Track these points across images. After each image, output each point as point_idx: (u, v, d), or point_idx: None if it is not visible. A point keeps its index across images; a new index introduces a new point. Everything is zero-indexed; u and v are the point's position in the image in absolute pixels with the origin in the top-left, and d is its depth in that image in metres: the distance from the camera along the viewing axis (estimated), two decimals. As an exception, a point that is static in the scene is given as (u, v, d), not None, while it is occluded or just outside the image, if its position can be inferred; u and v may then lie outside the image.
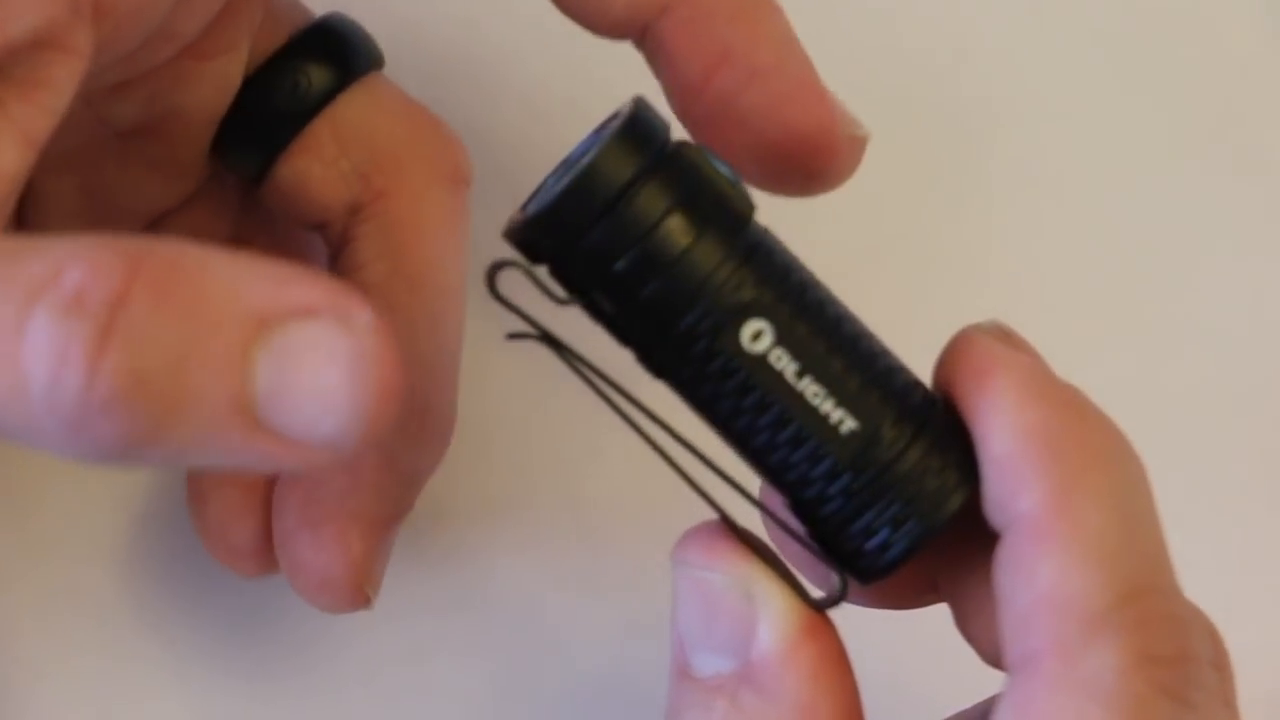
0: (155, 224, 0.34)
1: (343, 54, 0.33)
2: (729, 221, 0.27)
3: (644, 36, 0.28)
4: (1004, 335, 0.27)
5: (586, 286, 0.27)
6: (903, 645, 0.35)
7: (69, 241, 0.23)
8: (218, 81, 0.31)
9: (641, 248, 0.26)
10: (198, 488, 0.34)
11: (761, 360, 0.27)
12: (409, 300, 0.32)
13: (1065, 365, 0.40)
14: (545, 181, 0.28)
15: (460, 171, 0.34)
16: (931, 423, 0.27)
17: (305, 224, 0.34)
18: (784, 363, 0.27)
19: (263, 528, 0.33)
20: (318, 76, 0.33)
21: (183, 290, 0.23)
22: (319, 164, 0.33)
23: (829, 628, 0.27)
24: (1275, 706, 0.38)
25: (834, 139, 0.28)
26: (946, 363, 0.27)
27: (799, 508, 0.28)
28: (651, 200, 0.27)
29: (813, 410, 0.27)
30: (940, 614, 0.29)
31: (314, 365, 0.24)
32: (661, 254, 0.26)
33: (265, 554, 0.33)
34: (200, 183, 0.34)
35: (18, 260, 0.23)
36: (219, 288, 0.23)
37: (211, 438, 0.23)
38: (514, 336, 0.27)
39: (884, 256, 0.41)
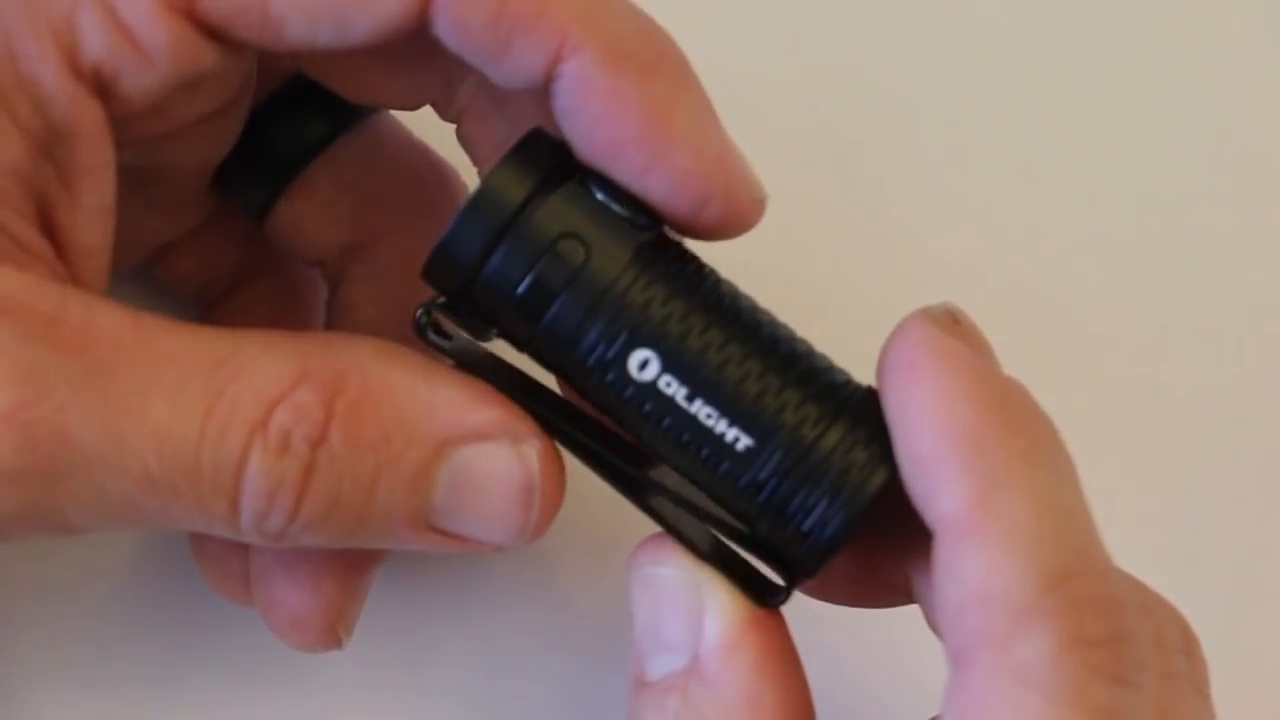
0: (162, 251, 0.34)
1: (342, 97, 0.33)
2: (614, 246, 0.27)
3: (548, 91, 0.28)
4: (950, 322, 0.27)
5: (499, 315, 0.28)
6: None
7: (271, 358, 0.26)
8: (218, 136, 0.32)
9: (535, 276, 0.27)
10: None
11: (652, 387, 0.27)
12: (399, 342, 0.32)
13: (1062, 364, 0.40)
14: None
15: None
16: (844, 414, 0.27)
17: (304, 261, 0.34)
18: (673, 388, 0.27)
19: None
20: (318, 119, 0.33)
21: (373, 423, 0.26)
22: (315, 206, 0.33)
23: (775, 621, 0.27)
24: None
25: (739, 212, 0.28)
26: (885, 350, 0.27)
27: (732, 514, 0.28)
28: (544, 224, 0.27)
29: (707, 431, 0.27)
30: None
31: (485, 491, 0.27)
32: (555, 278, 0.27)
33: None
34: (205, 216, 0.34)
35: (224, 374, 0.26)
36: (405, 415, 0.27)
37: (388, 540, 0.28)
38: (462, 365, 0.29)
39: (884, 256, 0.41)
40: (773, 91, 0.41)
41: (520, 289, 0.27)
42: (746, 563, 0.29)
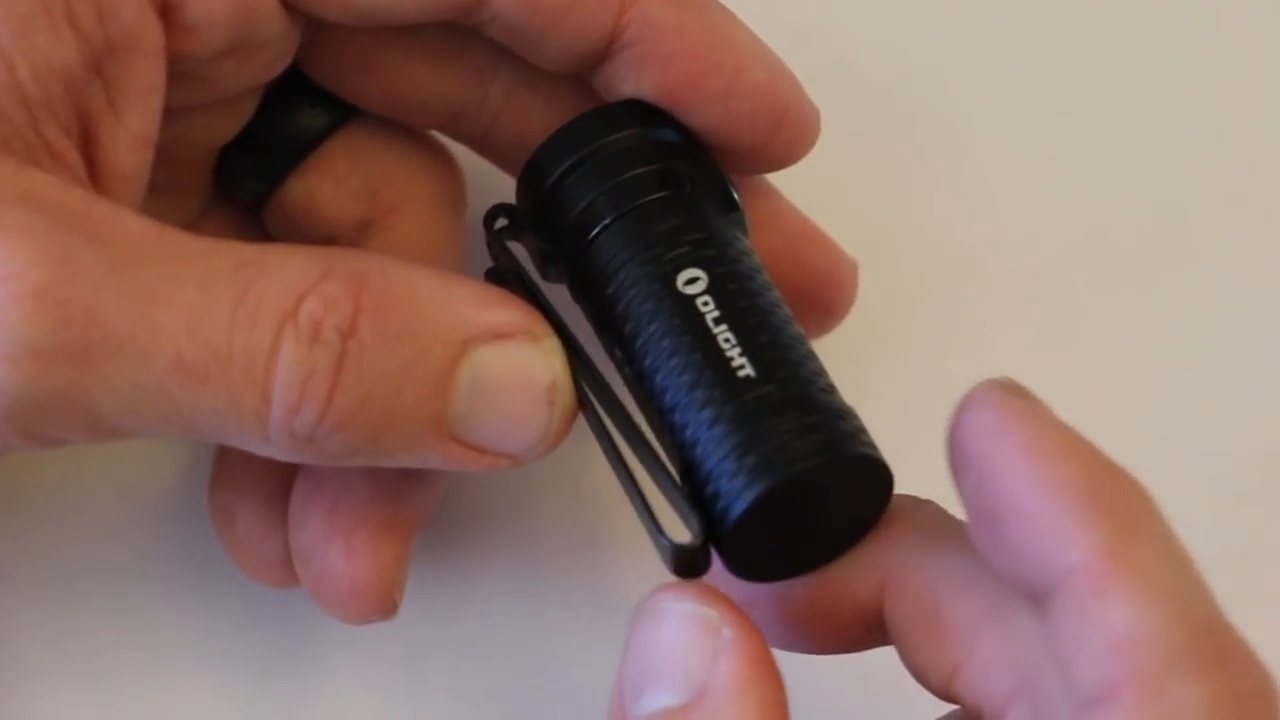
0: None
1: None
2: (699, 198, 0.29)
3: (609, 53, 0.29)
4: (1019, 390, 0.27)
5: (567, 221, 0.29)
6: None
7: (295, 259, 0.26)
8: (233, 114, 0.32)
9: (624, 179, 0.29)
10: (223, 506, 0.34)
11: (690, 301, 0.28)
12: None
13: (1062, 364, 0.40)
14: None
15: (460, 191, 0.34)
16: (819, 403, 0.27)
17: (311, 240, 0.34)
18: (709, 308, 0.28)
19: None
20: (326, 105, 0.33)
21: (399, 316, 0.27)
22: (330, 181, 0.33)
23: (779, 674, 0.27)
24: None
25: (811, 125, 0.30)
26: (963, 418, 0.27)
27: (675, 450, 0.28)
28: (636, 152, 0.29)
29: (717, 353, 0.28)
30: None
31: (508, 389, 0.28)
32: (638, 190, 0.29)
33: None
34: (203, 206, 0.34)
35: (250, 269, 0.26)
36: (428, 312, 0.27)
37: (411, 447, 0.27)
38: (491, 272, 0.30)
39: (884, 255, 0.41)
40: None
41: (599, 193, 0.29)
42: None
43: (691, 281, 0.28)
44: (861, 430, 0.28)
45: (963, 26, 0.44)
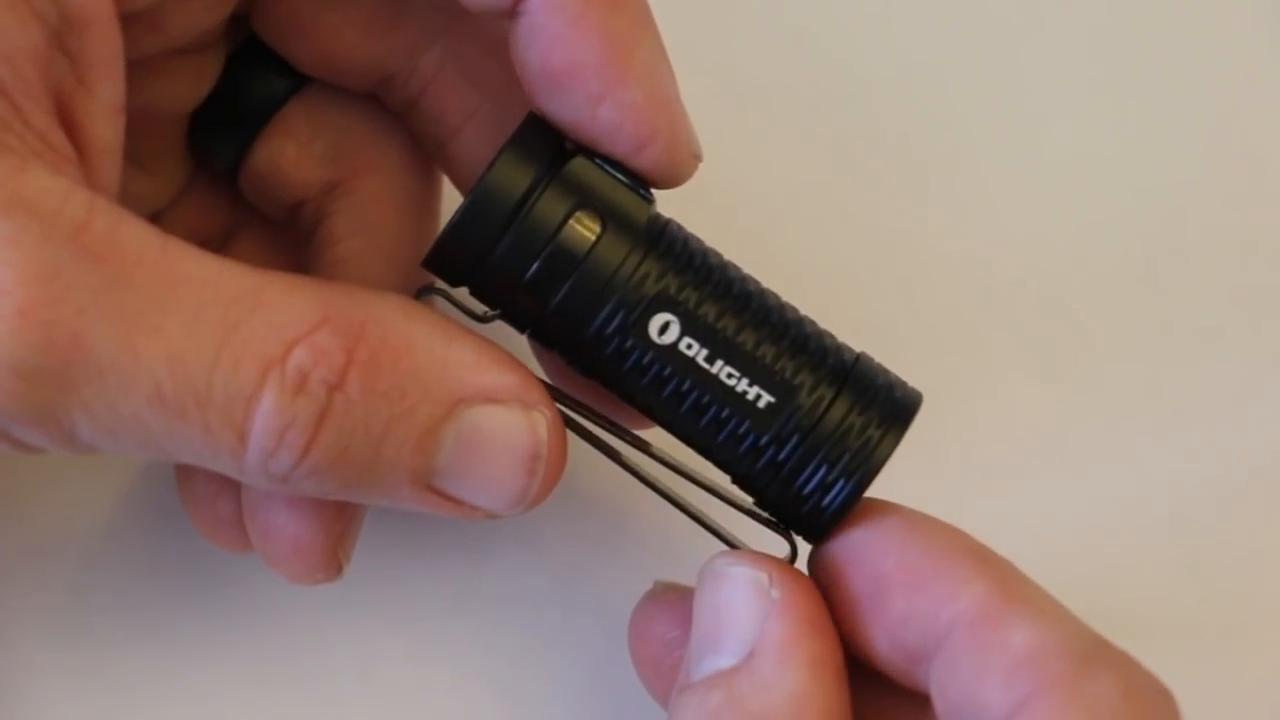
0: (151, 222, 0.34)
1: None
2: (628, 219, 0.28)
3: (514, 14, 0.28)
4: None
5: (504, 299, 0.28)
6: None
7: (293, 300, 0.26)
8: (196, 75, 0.32)
9: (549, 253, 0.27)
10: (184, 467, 0.33)
11: (673, 350, 0.28)
12: (383, 274, 0.33)
13: (1062, 364, 0.40)
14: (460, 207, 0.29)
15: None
16: (852, 379, 0.28)
17: (282, 206, 0.34)
18: (695, 350, 0.28)
19: None
20: (286, 68, 0.32)
21: (390, 373, 0.26)
22: (294, 145, 0.33)
23: (833, 631, 0.28)
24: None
25: (677, 161, 0.29)
26: (846, 525, 0.28)
27: (739, 482, 0.29)
28: (551, 206, 0.28)
29: (729, 390, 0.28)
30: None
31: (491, 454, 0.27)
32: (568, 256, 0.27)
33: None
34: (184, 180, 0.34)
35: (244, 306, 0.26)
36: (421, 369, 0.27)
37: (386, 495, 0.27)
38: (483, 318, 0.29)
39: (884, 256, 0.41)
40: (773, 91, 0.41)
41: (533, 268, 0.27)
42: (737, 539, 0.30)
43: (664, 330, 0.28)
44: (881, 372, 0.29)
45: (963, 27, 0.44)
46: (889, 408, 0.28)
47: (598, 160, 0.28)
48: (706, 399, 0.28)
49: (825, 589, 0.28)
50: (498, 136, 0.30)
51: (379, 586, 0.34)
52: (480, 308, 0.29)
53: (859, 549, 0.28)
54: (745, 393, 0.28)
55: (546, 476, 0.28)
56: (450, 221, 0.28)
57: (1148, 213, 0.42)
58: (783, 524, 0.29)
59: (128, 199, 0.32)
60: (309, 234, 0.34)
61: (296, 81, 0.33)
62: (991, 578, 0.26)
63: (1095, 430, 0.39)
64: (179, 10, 0.29)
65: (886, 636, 0.27)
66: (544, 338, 0.29)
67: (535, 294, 0.28)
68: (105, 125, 0.27)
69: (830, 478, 0.28)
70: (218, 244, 0.35)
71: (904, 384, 0.29)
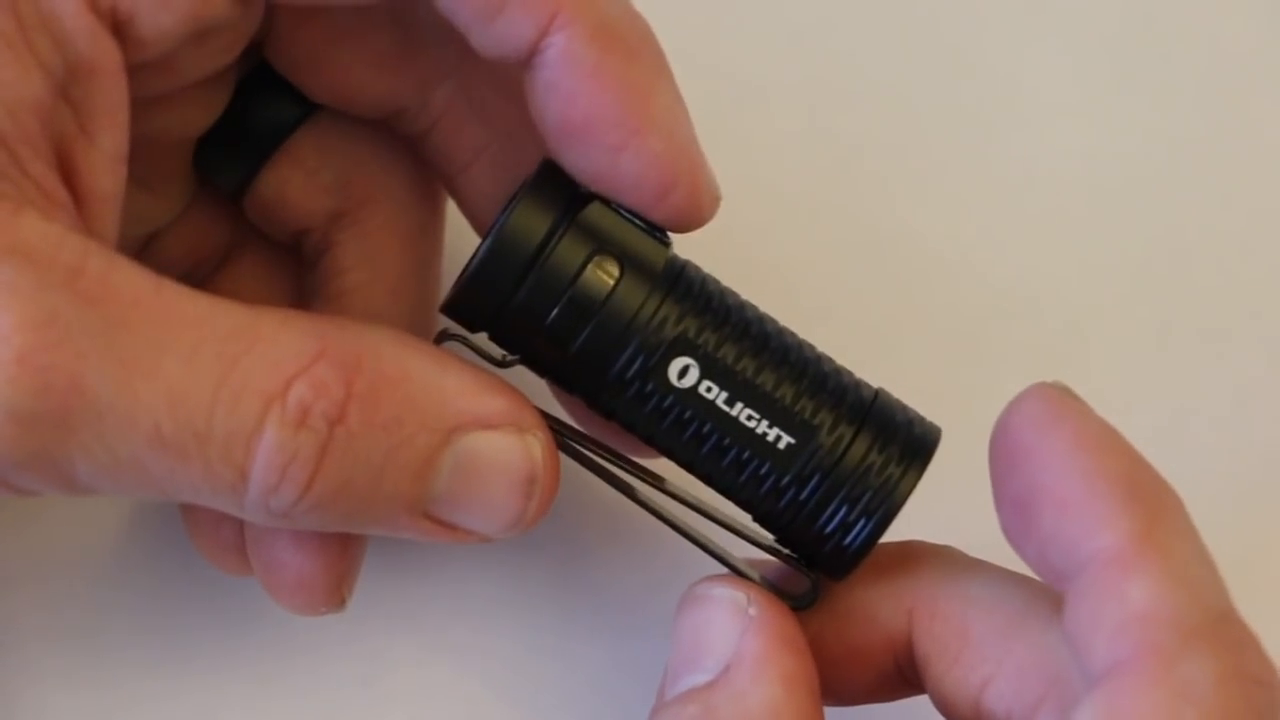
0: (151, 241, 0.34)
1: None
2: (646, 263, 0.28)
3: (529, 64, 0.28)
4: (1069, 392, 0.28)
5: (524, 344, 0.28)
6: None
7: (288, 334, 0.26)
8: (206, 104, 0.32)
9: (569, 298, 0.28)
10: None
11: (693, 393, 0.28)
12: (387, 306, 0.33)
13: (1062, 364, 0.40)
14: (477, 250, 0.29)
15: (437, 183, 0.34)
16: (871, 417, 0.28)
17: (287, 232, 0.34)
18: (714, 393, 0.28)
19: None
20: (296, 95, 0.32)
21: (388, 403, 0.26)
22: (301, 174, 0.33)
23: (807, 649, 0.28)
24: None
25: (699, 205, 0.29)
26: (1013, 411, 0.28)
27: (761, 521, 0.29)
28: (570, 252, 0.28)
29: (749, 432, 0.28)
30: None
31: (489, 479, 0.28)
32: (588, 301, 0.28)
33: None
34: (188, 199, 0.34)
35: (241, 343, 0.26)
36: (417, 398, 0.27)
37: (384, 524, 0.28)
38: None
39: (884, 256, 0.41)
40: (773, 91, 0.41)
41: (553, 314, 0.28)
42: (761, 575, 0.30)
43: (684, 373, 0.28)
44: (900, 409, 0.29)
45: (963, 27, 0.44)
46: (909, 444, 0.28)
47: (613, 204, 0.28)
48: (727, 441, 0.28)
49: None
50: (507, 174, 0.30)
51: (379, 589, 0.34)
52: (498, 352, 0.29)
53: (1025, 453, 0.27)
54: (765, 434, 0.28)
55: (542, 499, 0.28)
56: (469, 268, 0.28)
57: (1148, 213, 0.42)
58: (805, 562, 0.29)
59: (129, 216, 0.32)
60: (313, 262, 0.34)
61: (306, 110, 0.33)
62: (1135, 517, 0.26)
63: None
64: (191, 56, 0.29)
65: (1034, 549, 0.27)
66: (565, 382, 0.29)
67: (555, 339, 0.28)
68: (105, 175, 0.27)
69: (852, 517, 0.28)
70: (218, 262, 0.35)
71: (922, 420, 0.29)
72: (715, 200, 0.29)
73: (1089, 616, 0.26)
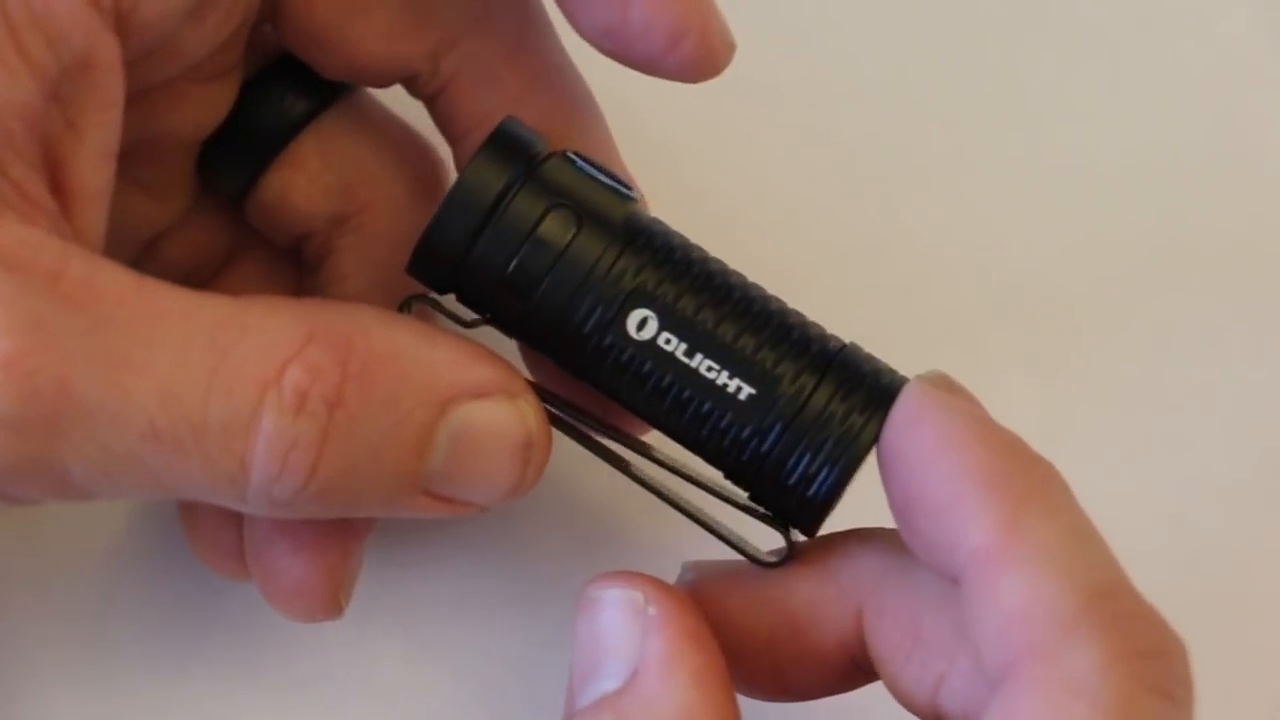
0: (152, 244, 0.34)
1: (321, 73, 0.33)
2: (605, 216, 0.28)
3: None
4: (947, 384, 0.28)
5: (488, 300, 0.28)
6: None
7: (276, 320, 0.26)
8: (212, 103, 0.32)
9: (527, 250, 0.28)
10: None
11: (652, 345, 0.28)
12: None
13: (1062, 364, 0.40)
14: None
15: (441, 188, 0.34)
16: (835, 367, 0.28)
17: (288, 236, 0.34)
18: (674, 344, 0.28)
19: None
20: (302, 95, 0.33)
21: (383, 383, 0.26)
22: (303, 178, 0.33)
23: (713, 641, 0.28)
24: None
25: (712, 52, 0.29)
26: (892, 414, 0.27)
27: (731, 477, 0.29)
28: (528, 205, 0.28)
29: (709, 383, 0.28)
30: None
31: (486, 448, 0.27)
32: (545, 252, 0.28)
33: None
34: (190, 202, 0.34)
35: (230, 333, 0.25)
36: (409, 373, 0.27)
37: (384, 504, 0.27)
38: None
39: (884, 256, 0.41)
40: (773, 91, 0.41)
41: (512, 265, 0.28)
42: (736, 535, 0.30)
43: (642, 325, 0.28)
44: (866, 360, 0.28)
45: (963, 27, 0.44)
46: (873, 393, 0.28)
47: (577, 160, 0.29)
48: (688, 393, 0.28)
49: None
50: None
51: (378, 589, 0.34)
52: (467, 314, 0.29)
53: (895, 460, 0.27)
54: (726, 385, 0.28)
55: (537, 462, 0.28)
56: (429, 223, 0.28)
57: (1147, 212, 0.42)
58: (777, 517, 0.29)
59: (131, 220, 0.32)
60: (314, 266, 0.34)
61: (309, 113, 0.33)
62: (1001, 508, 0.25)
63: (1094, 430, 0.39)
64: (191, 34, 0.29)
65: (924, 555, 0.27)
66: (530, 338, 0.29)
67: (516, 292, 0.28)
68: (93, 171, 0.27)
69: (814, 468, 0.28)
70: (218, 266, 0.35)
71: (891, 371, 0.29)
72: (729, 48, 0.29)
73: (974, 622, 0.25)
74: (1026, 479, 0.26)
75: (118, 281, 0.25)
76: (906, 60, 0.43)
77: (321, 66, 0.32)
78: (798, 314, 0.29)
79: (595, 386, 0.29)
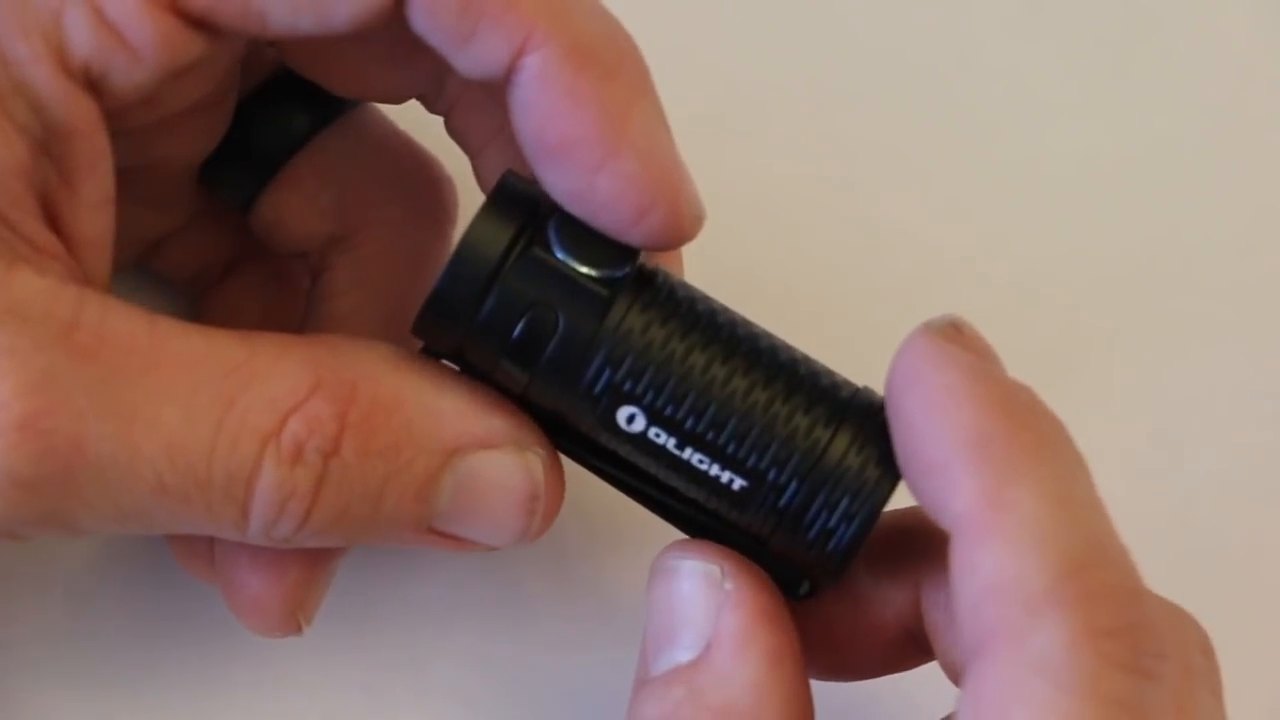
0: (155, 246, 0.34)
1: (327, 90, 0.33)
2: (583, 312, 0.27)
3: (508, 83, 0.28)
4: (952, 332, 0.27)
5: (492, 365, 0.28)
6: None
7: (284, 365, 0.26)
8: (205, 130, 0.32)
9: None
10: None
11: (643, 439, 0.28)
12: (382, 332, 0.33)
13: (1062, 364, 0.40)
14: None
15: (443, 208, 0.34)
16: (848, 418, 0.27)
17: (287, 252, 0.34)
18: (663, 439, 0.28)
19: None
20: (302, 112, 0.33)
21: (384, 433, 0.27)
22: (299, 197, 0.33)
23: (788, 622, 0.28)
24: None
25: (679, 225, 0.28)
26: (890, 368, 0.27)
27: (747, 533, 0.29)
28: (512, 296, 0.27)
29: (701, 474, 0.28)
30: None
31: (492, 496, 0.28)
32: (533, 343, 0.27)
33: None
34: (192, 210, 0.34)
35: (237, 381, 0.26)
36: (414, 423, 0.27)
37: (388, 541, 0.28)
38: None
39: (883, 256, 0.41)
40: (773, 92, 0.41)
41: (504, 352, 0.27)
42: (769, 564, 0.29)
43: (631, 420, 0.28)
44: (880, 407, 0.28)
45: (962, 26, 0.44)
46: (889, 442, 0.27)
47: (564, 232, 0.28)
48: (684, 481, 0.28)
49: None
50: (520, 157, 0.29)
51: (377, 592, 0.34)
52: None
53: (895, 416, 0.27)
54: (718, 477, 0.28)
55: (545, 514, 0.29)
56: (435, 285, 0.27)
57: (1147, 212, 0.42)
58: (798, 570, 0.29)
59: (133, 227, 0.32)
60: (314, 277, 0.34)
61: (309, 130, 0.33)
62: (984, 475, 0.25)
63: (1094, 430, 0.39)
64: (171, 92, 0.29)
65: (930, 514, 0.26)
66: (535, 410, 0.29)
67: (518, 364, 0.28)
68: (91, 221, 0.27)
69: (833, 523, 0.27)
70: (224, 268, 0.35)
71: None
72: (697, 220, 0.29)
73: (953, 596, 0.25)
74: (1018, 440, 0.25)
75: (130, 327, 0.26)
76: (906, 60, 0.43)
77: (327, 87, 0.32)
78: (806, 361, 0.28)
79: (589, 454, 0.29)
